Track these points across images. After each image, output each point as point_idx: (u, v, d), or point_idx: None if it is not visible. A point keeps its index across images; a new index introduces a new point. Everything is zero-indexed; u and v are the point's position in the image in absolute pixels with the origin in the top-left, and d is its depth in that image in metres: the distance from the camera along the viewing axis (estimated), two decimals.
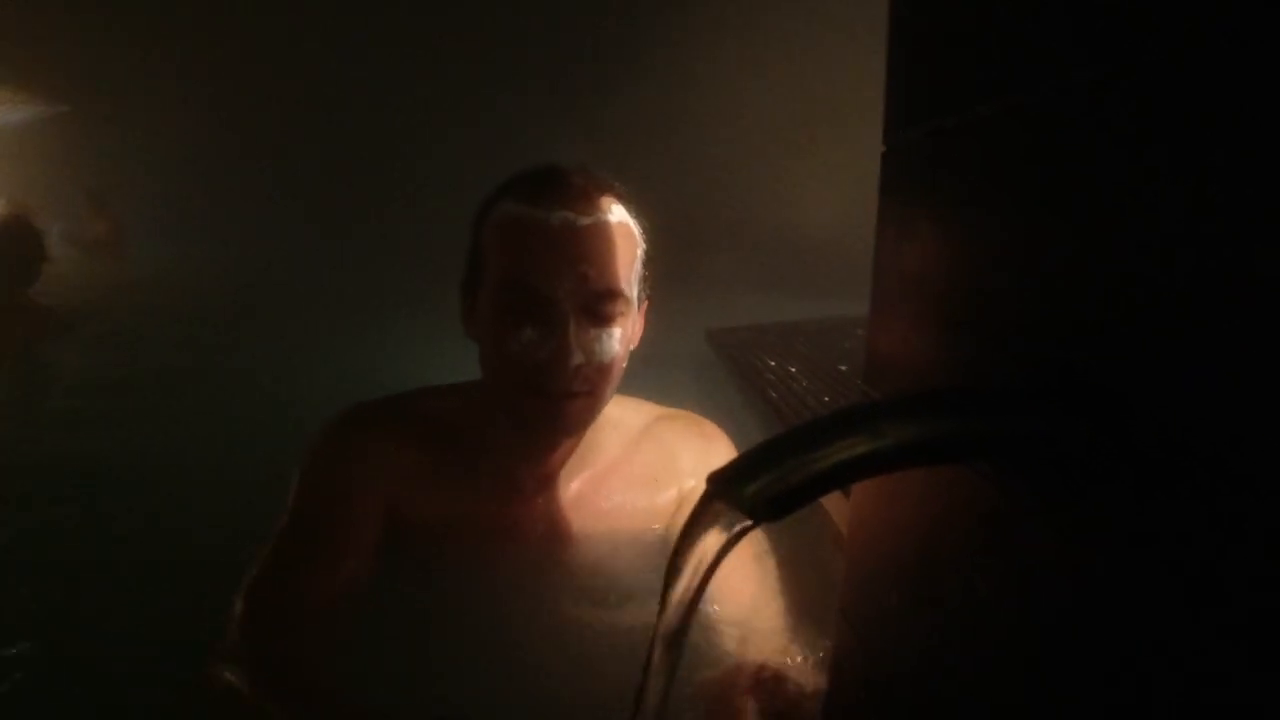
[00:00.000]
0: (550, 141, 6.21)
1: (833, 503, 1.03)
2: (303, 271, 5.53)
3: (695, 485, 0.98)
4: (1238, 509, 0.24)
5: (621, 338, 0.86)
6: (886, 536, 0.51)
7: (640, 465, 0.99)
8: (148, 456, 1.81)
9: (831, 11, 5.31)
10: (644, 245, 0.90)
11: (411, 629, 0.88)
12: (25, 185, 6.28)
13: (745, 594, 0.88)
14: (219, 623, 0.77)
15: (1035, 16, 0.36)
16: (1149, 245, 0.28)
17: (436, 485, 0.92)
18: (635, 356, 0.92)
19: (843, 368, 2.09)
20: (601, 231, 0.84)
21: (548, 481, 0.95)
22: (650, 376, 1.05)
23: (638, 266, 0.89)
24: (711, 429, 1.05)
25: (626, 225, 0.87)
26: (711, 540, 0.35)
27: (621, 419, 0.99)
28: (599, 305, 0.83)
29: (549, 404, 0.84)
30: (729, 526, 0.35)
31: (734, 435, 1.05)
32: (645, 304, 0.93)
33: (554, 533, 0.95)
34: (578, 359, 0.82)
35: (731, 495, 0.34)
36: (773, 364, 2.15)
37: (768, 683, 0.68)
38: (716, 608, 0.86)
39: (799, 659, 0.77)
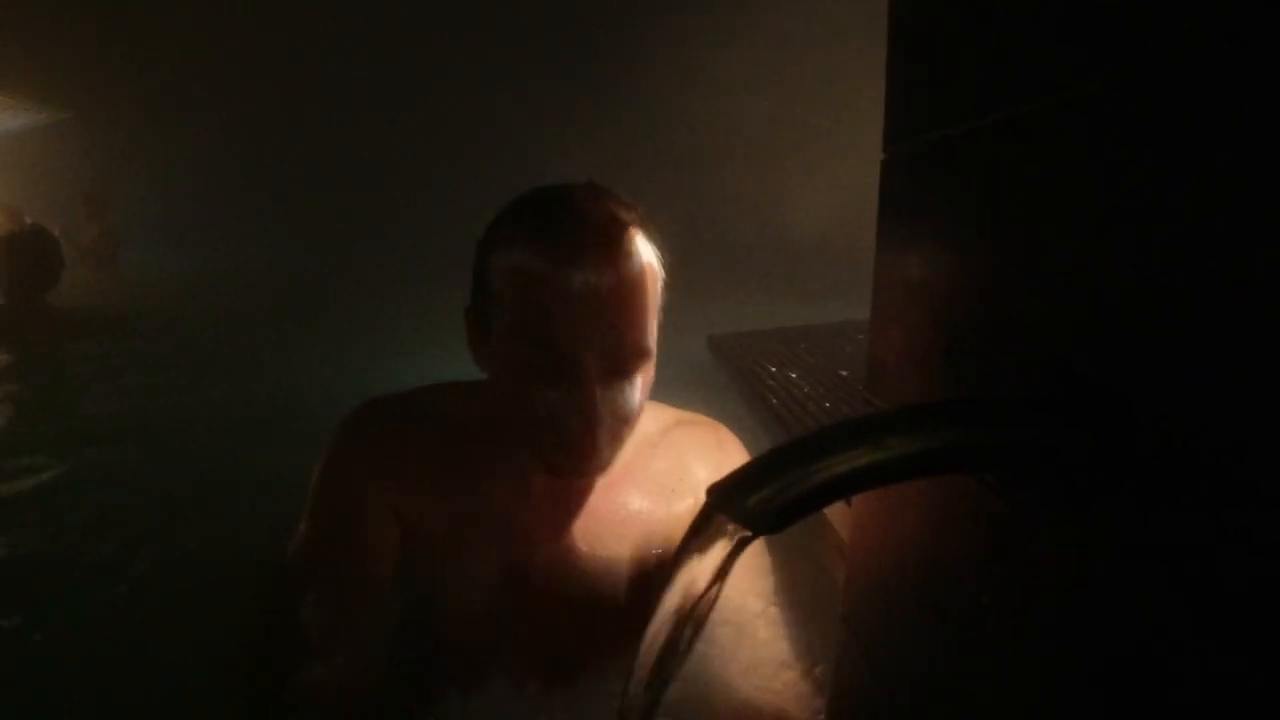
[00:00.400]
0: (550, 147, 6.25)
1: (834, 509, 1.02)
2: (303, 274, 5.55)
3: None
4: (1240, 519, 0.24)
5: (644, 384, 0.83)
6: (889, 544, 0.51)
7: (655, 473, 0.98)
8: (162, 459, 1.83)
9: (830, 20, 5.34)
10: (663, 274, 0.84)
11: (412, 627, 0.88)
12: (27, 190, 6.32)
13: (740, 592, 0.88)
14: (219, 625, 0.78)
15: (1035, 20, 0.36)
16: (1150, 250, 0.28)
17: (445, 483, 0.91)
18: None
19: (844, 373, 2.08)
20: (625, 288, 0.78)
21: (558, 485, 0.94)
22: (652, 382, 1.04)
23: (659, 304, 0.84)
24: (727, 437, 1.03)
25: (650, 268, 0.81)
26: (713, 553, 0.35)
27: (638, 424, 0.99)
28: (624, 364, 0.80)
29: (573, 460, 0.83)
30: (731, 538, 0.34)
31: None
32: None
33: (562, 538, 0.94)
34: (604, 421, 0.80)
35: (733, 507, 0.34)
36: (774, 370, 2.15)
37: None
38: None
39: (796, 659, 0.77)
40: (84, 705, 0.91)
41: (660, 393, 0.89)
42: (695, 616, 0.37)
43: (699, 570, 0.35)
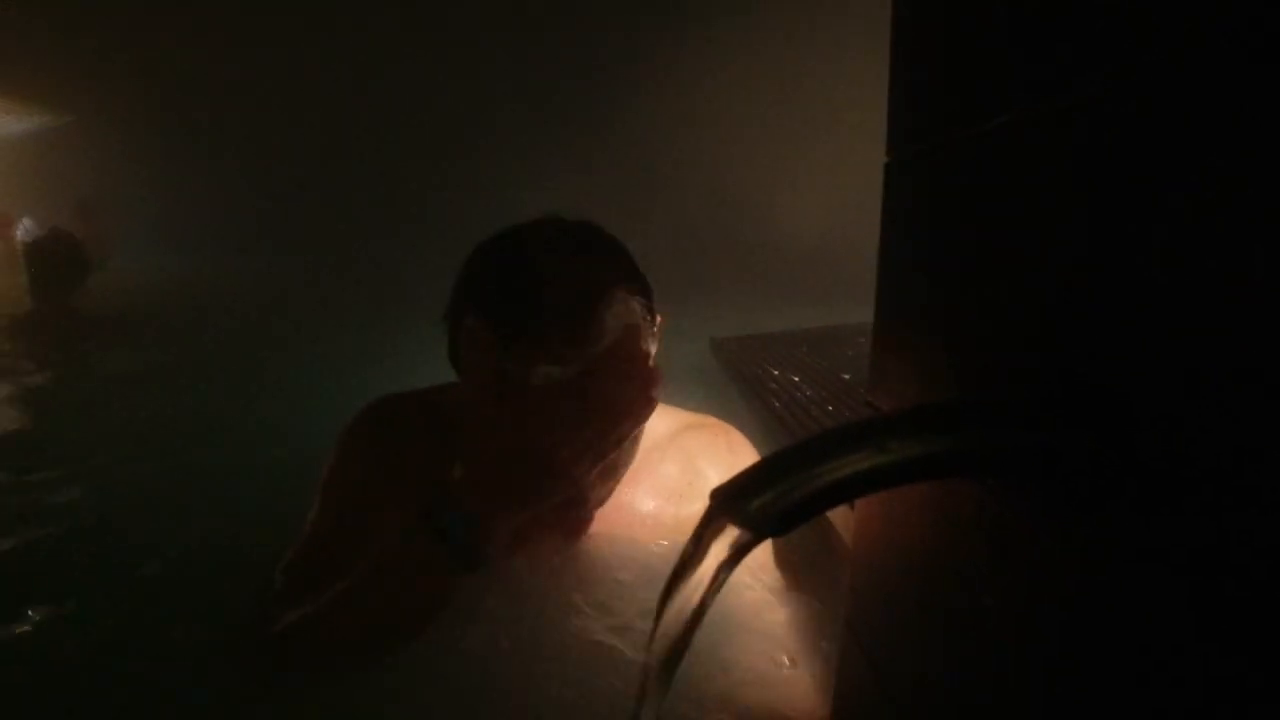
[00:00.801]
0: (551, 148, 6.26)
1: (837, 512, 1.02)
2: (302, 278, 5.56)
3: None
4: (1242, 521, 0.24)
5: (635, 435, 0.81)
6: (892, 548, 0.51)
7: (664, 476, 0.97)
8: (167, 459, 1.83)
9: (832, 23, 5.35)
10: (647, 315, 0.81)
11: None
12: (28, 193, 6.34)
13: (743, 593, 0.88)
14: (219, 626, 0.77)
15: (1036, 22, 0.36)
16: (1150, 251, 0.28)
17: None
18: None
19: (846, 376, 2.08)
20: (595, 377, 0.75)
21: None
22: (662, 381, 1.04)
23: (647, 343, 0.81)
24: (738, 439, 1.03)
25: (631, 329, 0.77)
26: (715, 555, 0.35)
27: (647, 426, 0.98)
28: (606, 447, 0.78)
29: (566, 528, 0.85)
30: (733, 541, 0.34)
31: None
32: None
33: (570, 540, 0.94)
34: (589, 502, 0.81)
35: (736, 510, 0.34)
36: (776, 373, 2.14)
37: None
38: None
39: (798, 660, 0.77)
40: (84, 705, 0.91)
41: (663, 395, 0.89)
42: (698, 619, 0.37)
43: (702, 573, 0.35)
